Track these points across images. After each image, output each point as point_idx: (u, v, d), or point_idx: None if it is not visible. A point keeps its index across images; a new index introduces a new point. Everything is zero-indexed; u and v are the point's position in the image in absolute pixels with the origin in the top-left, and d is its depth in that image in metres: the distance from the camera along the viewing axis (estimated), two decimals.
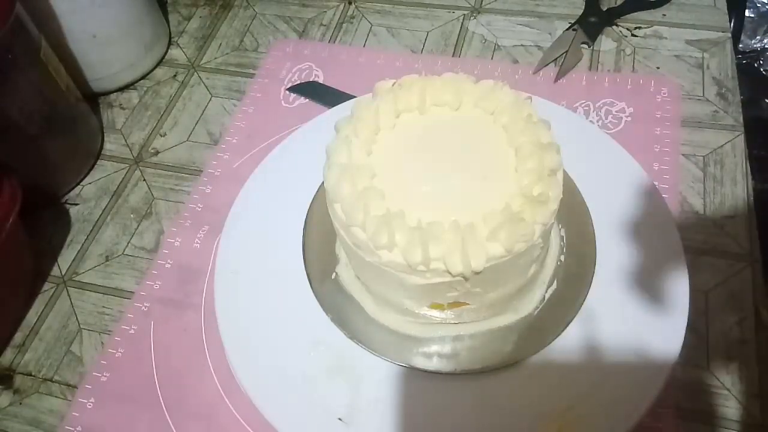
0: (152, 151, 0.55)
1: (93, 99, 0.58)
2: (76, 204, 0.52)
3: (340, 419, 0.36)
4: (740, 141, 0.49)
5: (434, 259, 0.32)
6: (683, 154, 0.49)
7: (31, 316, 0.46)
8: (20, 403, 0.42)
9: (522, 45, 0.58)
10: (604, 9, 0.60)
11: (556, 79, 0.54)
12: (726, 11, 0.58)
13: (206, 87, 0.59)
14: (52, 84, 0.49)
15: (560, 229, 0.42)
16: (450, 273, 0.32)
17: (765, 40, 0.92)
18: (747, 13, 0.91)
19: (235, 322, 0.40)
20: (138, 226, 0.50)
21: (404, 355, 0.38)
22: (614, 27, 0.58)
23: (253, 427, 0.39)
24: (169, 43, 0.63)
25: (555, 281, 0.40)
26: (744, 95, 0.53)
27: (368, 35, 0.61)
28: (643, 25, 0.58)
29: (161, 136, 0.56)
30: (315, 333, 0.40)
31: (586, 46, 0.57)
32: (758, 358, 0.40)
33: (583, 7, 0.60)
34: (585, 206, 0.43)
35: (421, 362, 0.38)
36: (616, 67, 0.55)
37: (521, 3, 0.62)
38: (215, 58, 0.61)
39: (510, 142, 0.36)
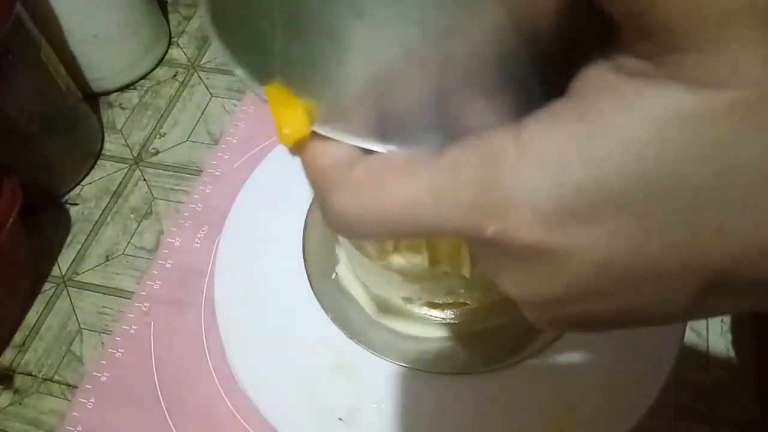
0: (152, 151, 0.55)
1: (93, 99, 0.58)
2: (76, 204, 0.52)
3: (340, 419, 0.36)
4: None
5: (434, 259, 0.32)
6: None
7: (31, 316, 0.46)
8: (20, 403, 0.42)
9: None
10: None
11: None
12: None
13: (206, 87, 0.59)
14: (52, 84, 0.49)
15: None
16: (450, 273, 0.32)
17: None
18: None
19: (235, 322, 0.40)
20: (138, 226, 0.50)
21: (404, 355, 0.38)
22: None
23: (253, 427, 0.39)
24: (169, 43, 0.63)
25: None
26: None
27: None
28: None
29: (161, 136, 0.56)
30: (315, 333, 0.40)
31: None
32: (758, 359, 0.40)
33: None
34: None
35: (421, 362, 0.38)
36: None
37: None
38: (215, 58, 0.61)
39: None
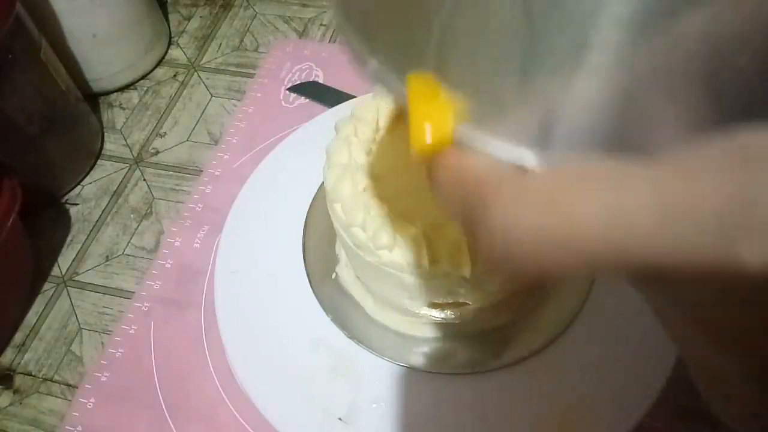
0: (152, 151, 0.55)
1: (93, 99, 0.58)
2: (76, 204, 0.52)
3: (340, 419, 0.36)
4: None
5: (435, 259, 0.32)
6: None
7: (31, 316, 0.46)
8: (20, 403, 0.42)
9: None
10: None
11: None
12: None
13: (206, 87, 0.59)
14: (52, 84, 0.49)
15: None
16: (450, 273, 0.32)
17: None
18: None
19: (235, 322, 0.40)
20: (138, 226, 0.50)
21: (404, 355, 0.38)
22: None
23: (253, 427, 0.39)
24: (169, 43, 0.62)
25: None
26: None
27: None
28: None
29: (161, 136, 0.56)
30: (315, 333, 0.40)
31: None
32: None
33: None
34: None
35: (421, 362, 0.38)
36: None
37: None
38: (215, 58, 0.61)
39: None
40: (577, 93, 0.12)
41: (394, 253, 0.33)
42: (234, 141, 0.53)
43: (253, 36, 0.62)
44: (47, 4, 0.51)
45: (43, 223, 0.51)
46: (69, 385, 0.43)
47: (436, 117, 0.13)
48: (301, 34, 0.62)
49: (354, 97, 0.53)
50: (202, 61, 0.61)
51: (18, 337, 0.45)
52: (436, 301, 0.37)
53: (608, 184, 0.11)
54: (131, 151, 0.55)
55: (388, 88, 0.14)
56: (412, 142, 0.13)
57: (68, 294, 0.47)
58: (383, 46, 0.14)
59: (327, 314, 0.40)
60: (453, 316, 0.38)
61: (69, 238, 0.50)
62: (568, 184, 0.11)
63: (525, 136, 0.12)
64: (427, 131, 0.13)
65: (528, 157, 0.12)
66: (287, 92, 0.57)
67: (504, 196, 0.12)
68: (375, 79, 0.14)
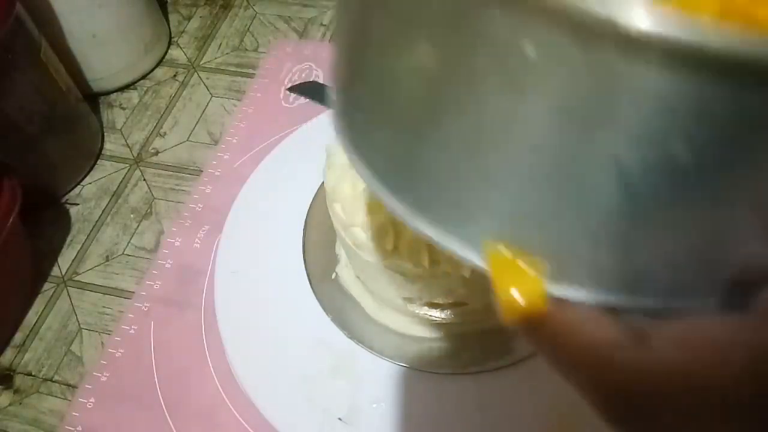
0: (152, 151, 0.55)
1: (93, 99, 0.58)
2: (76, 204, 0.52)
3: (340, 419, 0.36)
4: None
5: (434, 259, 0.32)
6: None
7: (31, 316, 0.46)
8: (20, 403, 0.42)
9: None
10: None
11: None
12: None
13: (206, 87, 0.59)
14: (52, 84, 0.49)
15: None
16: (450, 273, 0.32)
17: None
18: None
19: (235, 322, 0.40)
20: (138, 226, 0.50)
21: (404, 355, 0.38)
22: None
23: (253, 427, 0.39)
24: (169, 43, 0.62)
25: None
26: None
27: None
28: None
29: (161, 136, 0.56)
30: (315, 333, 0.40)
31: None
32: None
33: None
34: None
35: (421, 362, 0.38)
36: None
37: None
38: (215, 58, 0.61)
39: None
40: (663, 241, 0.12)
41: (394, 253, 0.33)
42: (234, 141, 0.53)
43: (253, 36, 0.62)
44: (47, 4, 0.51)
45: (43, 223, 0.51)
46: (69, 385, 0.43)
47: (524, 281, 0.13)
48: (301, 34, 0.62)
49: None
50: (202, 61, 0.61)
51: (18, 337, 0.45)
52: (436, 301, 0.37)
53: (753, 344, 0.11)
54: (131, 151, 0.55)
55: (466, 258, 0.14)
56: (504, 313, 0.14)
57: (68, 294, 0.47)
58: (443, 211, 0.13)
59: (327, 314, 0.40)
60: (453, 316, 0.38)
61: (69, 238, 0.50)
62: (704, 352, 0.12)
63: (625, 285, 0.13)
64: (518, 301, 0.13)
65: (630, 302, 0.12)
66: (287, 92, 0.56)
67: (634, 365, 0.12)
68: (443, 245, 0.13)
